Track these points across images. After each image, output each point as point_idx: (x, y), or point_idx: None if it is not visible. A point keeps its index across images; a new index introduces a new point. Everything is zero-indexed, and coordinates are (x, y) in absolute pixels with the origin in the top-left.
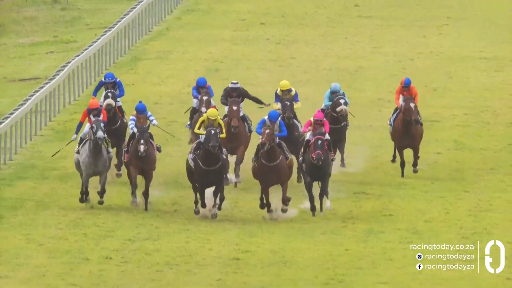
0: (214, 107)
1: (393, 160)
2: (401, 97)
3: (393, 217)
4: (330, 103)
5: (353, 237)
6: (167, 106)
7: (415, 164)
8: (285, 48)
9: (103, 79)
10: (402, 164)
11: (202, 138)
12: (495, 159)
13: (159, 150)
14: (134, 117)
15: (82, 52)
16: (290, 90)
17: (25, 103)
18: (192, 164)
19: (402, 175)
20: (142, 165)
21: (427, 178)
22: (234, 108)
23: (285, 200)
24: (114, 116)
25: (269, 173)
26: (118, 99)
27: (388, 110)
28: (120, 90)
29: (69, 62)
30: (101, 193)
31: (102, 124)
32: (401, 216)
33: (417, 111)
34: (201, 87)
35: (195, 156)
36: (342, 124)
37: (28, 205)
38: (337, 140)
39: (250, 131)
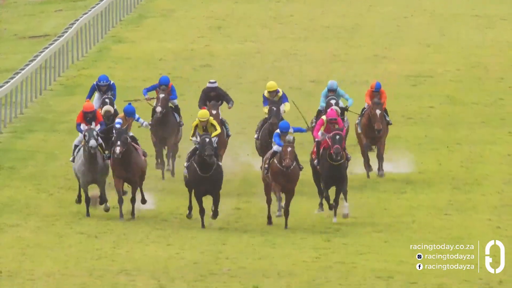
0: (205, 108)
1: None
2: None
3: (387, 168)
4: (325, 105)
5: (349, 188)
6: (172, 62)
7: (380, 168)
8: (284, 6)
9: (96, 82)
10: (368, 167)
11: (197, 144)
12: (486, 113)
13: (145, 155)
14: (120, 120)
15: (90, 10)
16: (277, 92)
17: (35, 59)
18: (186, 173)
19: (368, 176)
20: (126, 172)
21: (421, 131)
22: (214, 112)
23: (287, 212)
24: (113, 121)
25: (283, 177)
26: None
27: (383, 66)
28: (113, 95)
29: (77, 20)
30: (102, 201)
31: (94, 133)
32: (395, 168)
33: (382, 118)
34: (163, 86)
35: (191, 162)
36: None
37: (38, 157)
38: None
39: (228, 136)
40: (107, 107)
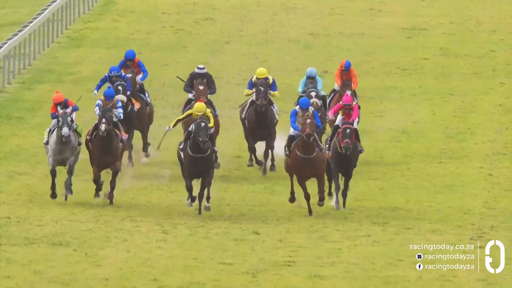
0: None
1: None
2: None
3: (383, 118)
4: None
5: None
6: (174, 16)
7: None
8: None
9: (107, 73)
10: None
11: (191, 128)
12: (478, 64)
13: (122, 141)
14: (101, 103)
15: None
16: (267, 79)
17: (42, 13)
18: (182, 154)
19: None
20: (105, 156)
21: (415, 82)
22: (201, 87)
23: (322, 198)
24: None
25: (305, 166)
26: (129, 90)
27: (379, 19)
28: (128, 84)
29: None
30: (68, 179)
31: (69, 119)
32: (391, 117)
33: (353, 97)
34: (129, 60)
35: (186, 144)
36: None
37: (46, 107)
38: None
39: (216, 115)
40: (120, 97)
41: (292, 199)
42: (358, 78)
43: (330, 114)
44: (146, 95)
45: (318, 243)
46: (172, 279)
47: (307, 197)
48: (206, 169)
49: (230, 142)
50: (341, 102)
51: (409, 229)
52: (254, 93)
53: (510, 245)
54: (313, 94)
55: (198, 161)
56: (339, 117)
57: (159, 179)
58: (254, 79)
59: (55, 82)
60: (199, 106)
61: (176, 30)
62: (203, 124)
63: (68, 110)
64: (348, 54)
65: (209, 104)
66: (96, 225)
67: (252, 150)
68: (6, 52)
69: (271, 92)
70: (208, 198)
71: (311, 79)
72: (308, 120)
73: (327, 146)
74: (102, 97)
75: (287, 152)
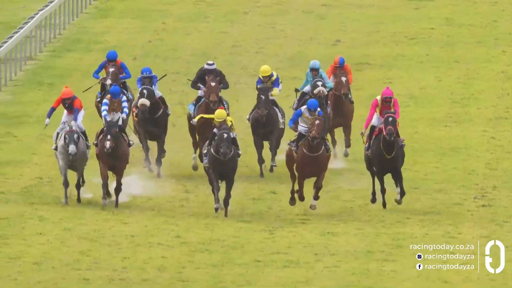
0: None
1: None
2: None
3: (392, 84)
4: (309, 87)
5: (356, 103)
6: None
7: (347, 144)
8: None
9: (141, 75)
10: (334, 143)
11: (215, 130)
12: (481, 34)
13: (129, 145)
14: (107, 101)
15: None
16: (271, 76)
17: None
18: (206, 159)
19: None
20: (112, 161)
21: (422, 50)
22: (213, 84)
23: (316, 197)
24: (155, 105)
25: (309, 164)
26: (158, 90)
27: None
28: (154, 84)
29: None
30: (78, 186)
31: (75, 136)
32: (399, 84)
33: (348, 86)
34: (110, 61)
35: (209, 147)
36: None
37: (75, 74)
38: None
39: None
40: (143, 101)
41: (292, 201)
42: (369, 46)
43: (364, 128)
44: (129, 93)
45: (331, 202)
46: (194, 236)
47: (302, 198)
48: (229, 170)
49: (248, 108)
50: (378, 98)
51: (416, 189)
52: (257, 101)
53: (511, 203)
54: (319, 83)
55: (221, 163)
56: (375, 116)
57: (183, 142)
58: (260, 77)
59: (84, 50)
60: (220, 113)
61: (196, 1)
62: (225, 135)
63: (74, 127)
64: (359, 24)
65: (220, 101)
66: (122, 181)
67: (258, 148)
68: (38, 22)
69: (272, 92)
70: (228, 198)
71: (314, 71)
72: (317, 122)
73: (366, 145)
74: (109, 96)
75: (295, 148)
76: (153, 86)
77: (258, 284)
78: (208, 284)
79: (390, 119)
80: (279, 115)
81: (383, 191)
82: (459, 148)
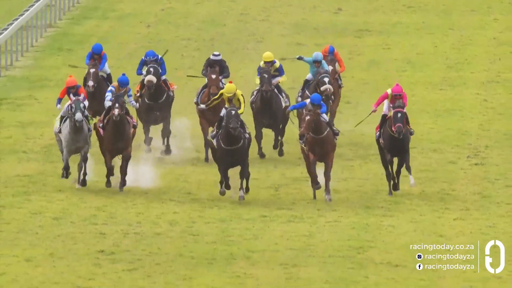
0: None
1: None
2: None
3: (391, 50)
4: (311, 75)
5: (357, 67)
6: None
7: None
8: None
9: (143, 57)
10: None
11: (223, 113)
12: (475, 2)
13: (135, 127)
14: (113, 88)
15: None
16: (273, 62)
17: None
18: (215, 143)
19: None
20: (117, 142)
21: (419, 18)
22: (213, 76)
23: (328, 177)
24: (159, 89)
25: (316, 145)
26: (164, 77)
27: None
28: (163, 69)
29: None
30: (84, 167)
31: (81, 105)
32: (397, 49)
33: (334, 75)
34: (96, 54)
35: (218, 135)
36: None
37: (92, 40)
38: None
39: None
40: (150, 77)
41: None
42: (369, 14)
43: (374, 106)
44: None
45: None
46: (204, 193)
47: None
48: (240, 159)
49: (254, 72)
50: (388, 91)
51: (413, 148)
52: (260, 80)
53: (503, 163)
54: (326, 79)
55: (231, 153)
56: (386, 104)
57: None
58: (261, 64)
59: (100, 18)
60: (230, 88)
61: None
62: (233, 112)
63: (81, 97)
64: None
65: (221, 89)
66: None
67: (258, 138)
68: None
69: (279, 79)
70: (246, 189)
71: (317, 63)
72: (308, 117)
73: (377, 133)
74: (115, 83)
75: (301, 142)
76: (161, 68)
77: (264, 238)
78: (217, 238)
79: (399, 115)
80: (283, 97)
81: (390, 177)
82: (454, 110)
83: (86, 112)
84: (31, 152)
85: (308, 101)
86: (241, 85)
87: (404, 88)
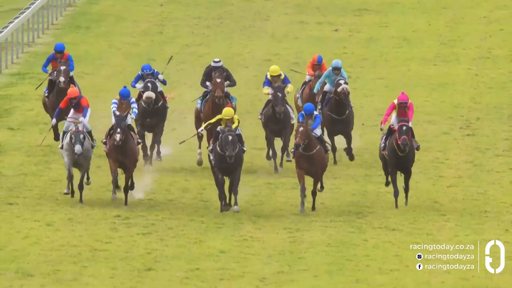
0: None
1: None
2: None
3: (388, 27)
4: (330, 86)
5: (356, 44)
6: None
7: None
8: None
9: (140, 72)
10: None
11: (219, 129)
12: None
13: (138, 143)
14: (116, 101)
15: None
16: (280, 75)
17: None
18: (211, 155)
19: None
20: (122, 159)
21: None
22: (218, 80)
23: (315, 193)
24: (156, 98)
25: (306, 162)
26: (159, 87)
27: None
28: (163, 81)
29: None
30: (81, 185)
31: (81, 136)
32: (394, 27)
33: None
34: (58, 53)
35: (215, 145)
36: (347, 111)
37: (109, 18)
38: (343, 127)
39: (234, 107)
40: (148, 93)
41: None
42: None
43: (382, 123)
44: (77, 86)
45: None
46: None
47: (312, 192)
48: (233, 166)
49: (260, 47)
50: (395, 101)
51: None
52: (272, 98)
53: (493, 133)
54: (341, 81)
55: (226, 160)
56: (394, 116)
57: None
58: (268, 76)
59: None
60: (228, 111)
61: None
62: (230, 137)
63: (80, 127)
64: None
65: (226, 95)
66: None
67: (269, 142)
68: None
69: (287, 88)
70: (234, 190)
71: (337, 70)
72: (301, 129)
73: (382, 145)
74: (118, 97)
75: (293, 150)
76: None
77: (269, 203)
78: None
79: (404, 128)
80: (291, 112)
81: (396, 193)
82: (447, 84)
83: (89, 127)
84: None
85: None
86: (249, 62)
87: (401, 63)
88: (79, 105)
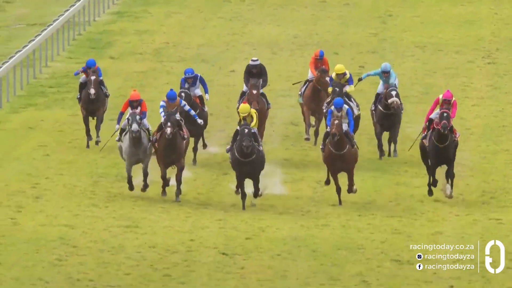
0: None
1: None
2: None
3: None
4: (382, 87)
5: (356, 18)
6: None
7: (317, 132)
8: None
9: (184, 75)
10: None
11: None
12: None
13: (184, 138)
14: (164, 103)
15: None
16: (344, 74)
17: None
18: (230, 156)
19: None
20: (171, 154)
21: None
22: (254, 92)
23: (351, 190)
24: (194, 105)
25: (337, 161)
26: (198, 90)
27: None
28: (204, 87)
29: None
30: (145, 176)
31: (137, 117)
32: None
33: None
34: (89, 68)
35: (233, 149)
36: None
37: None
38: (390, 126)
39: (268, 108)
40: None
41: (327, 182)
42: None
43: (425, 122)
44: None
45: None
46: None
47: (338, 190)
48: (253, 171)
49: (282, 30)
50: (440, 96)
51: (440, 51)
52: (331, 93)
53: (510, 62)
54: (393, 93)
55: (246, 164)
56: (435, 112)
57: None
58: (333, 75)
59: None
60: (243, 108)
61: None
62: (246, 130)
63: (138, 110)
64: None
65: (262, 95)
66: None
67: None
68: None
69: (347, 89)
70: (256, 194)
71: (386, 73)
72: (336, 121)
73: (423, 134)
74: (166, 99)
75: (322, 147)
76: (195, 85)
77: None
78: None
79: (445, 114)
80: (354, 105)
81: (434, 182)
82: (472, 21)
83: (148, 125)
84: (145, 53)
85: (333, 107)
86: (275, 38)
87: (434, 4)
88: (139, 108)
